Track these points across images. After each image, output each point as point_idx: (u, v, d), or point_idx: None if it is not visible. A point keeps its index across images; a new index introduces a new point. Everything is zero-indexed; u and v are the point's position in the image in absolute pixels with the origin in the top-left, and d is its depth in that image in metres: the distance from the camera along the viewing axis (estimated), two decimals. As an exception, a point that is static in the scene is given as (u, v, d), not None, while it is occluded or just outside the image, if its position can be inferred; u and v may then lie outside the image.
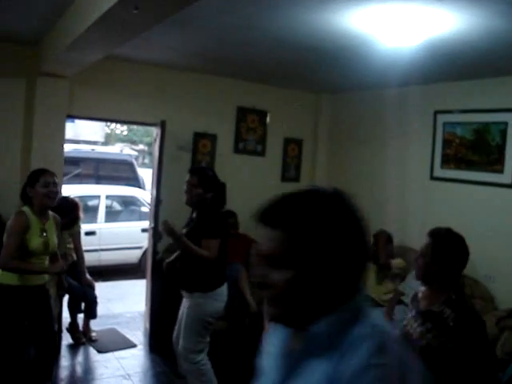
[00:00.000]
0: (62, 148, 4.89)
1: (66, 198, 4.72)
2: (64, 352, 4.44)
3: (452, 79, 4.78)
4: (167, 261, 3.53)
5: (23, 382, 3.18)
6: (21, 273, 3.06)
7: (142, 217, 8.08)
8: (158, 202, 4.80)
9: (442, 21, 3.07)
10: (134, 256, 7.84)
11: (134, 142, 23.21)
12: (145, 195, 8.47)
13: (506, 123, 4.42)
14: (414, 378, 0.94)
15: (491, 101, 4.55)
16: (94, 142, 16.86)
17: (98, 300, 4.79)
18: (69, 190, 6.40)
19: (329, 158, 6.49)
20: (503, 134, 4.44)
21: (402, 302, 4.35)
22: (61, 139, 4.86)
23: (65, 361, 4.29)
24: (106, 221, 7.80)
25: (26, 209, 3.12)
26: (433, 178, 5.08)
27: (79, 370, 4.22)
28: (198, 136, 5.65)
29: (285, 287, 0.96)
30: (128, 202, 8.69)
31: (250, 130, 6.02)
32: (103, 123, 17.25)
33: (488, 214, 4.53)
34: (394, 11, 2.98)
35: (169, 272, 3.48)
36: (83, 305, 4.71)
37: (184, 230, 3.36)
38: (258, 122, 6.07)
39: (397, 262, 4.74)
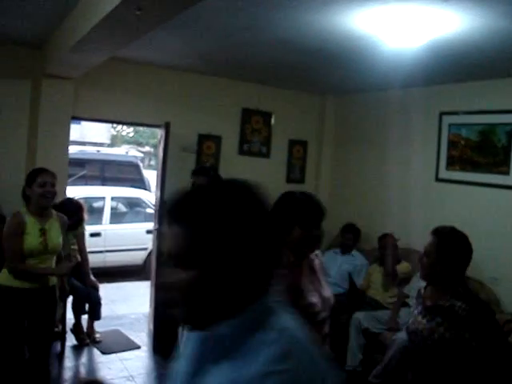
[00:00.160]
0: (67, 149, 4.91)
1: (71, 200, 4.73)
2: (68, 353, 4.44)
3: (457, 80, 4.76)
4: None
5: (19, 383, 3.15)
6: (27, 275, 3.03)
7: (147, 218, 8.08)
8: (162, 203, 4.80)
9: (446, 21, 3.05)
10: (138, 257, 7.84)
11: (140, 144, 23.30)
12: (150, 197, 8.48)
13: (511, 125, 4.39)
14: (328, 383, 0.90)
15: (497, 102, 4.52)
16: (100, 144, 16.92)
17: (102, 301, 4.79)
18: (74, 192, 6.41)
19: (334, 159, 6.47)
20: (509, 135, 4.41)
21: (407, 305, 4.33)
22: (65, 140, 4.88)
23: (69, 362, 4.29)
24: (111, 222, 7.81)
25: (22, 209, 3.10)
26: (438, 179, 5.05)
27: (83, 371, 4.22)
28: (203, 137, 5.65)
29: (186, 288, 0.91)
30: (133, 204, 8.70)
31: (254, 131, 6.02)
32: (109, 125, 17.31)
33: (493, 216, 4.49)
34: (397, 12, 2.97)
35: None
36: (87, 306, 4.72)
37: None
38: (263, 124, 6.07)
39: (402, 267, 4.70)
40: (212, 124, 5.67)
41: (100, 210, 7.82)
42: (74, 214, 4.46)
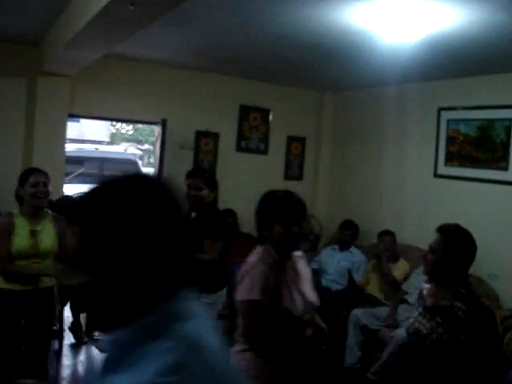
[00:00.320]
0: (64, 147, 4.89)
1: (68, 197, 4.71)
2: (66, 351, 4.42)
3: (455, 75, 4.73)
4: None
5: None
6: (17, 277, 2.99)
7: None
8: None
9: (443, 16, 3.03)
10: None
11: (139, 142, 23.23)
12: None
13: (510, 120, 4.37)
14: None
15: (495, 97, 4.50)
16: (100, 142, 16.88)
17: (101, 299, 4.77)
18: (72, 190, 6.39)
19: (332, 155, 6.45)
20: (508, 130, 4.39)
21: (406, 301, 4.31)
22: (62, 138, 4.87)
23: (67, 360, 4.28)
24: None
25: (15, 210, 3.06)
26: (436, 175, 5.03)
27: (81, 369, 4.21)
28: (200, 134, 5.63)
29: (80, 291, 0.88)
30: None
31: (252, 128, 5.99)
32: (108, 123, 17.28)
33: (492, 212, 4.47)
34: (394, 6, 2.94)
35: None
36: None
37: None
38: (261, 120, 6.04)
39: (401, 267, 4.64)
40: (209, 121, 5.65)
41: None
42: (71, 212, 4.44)
